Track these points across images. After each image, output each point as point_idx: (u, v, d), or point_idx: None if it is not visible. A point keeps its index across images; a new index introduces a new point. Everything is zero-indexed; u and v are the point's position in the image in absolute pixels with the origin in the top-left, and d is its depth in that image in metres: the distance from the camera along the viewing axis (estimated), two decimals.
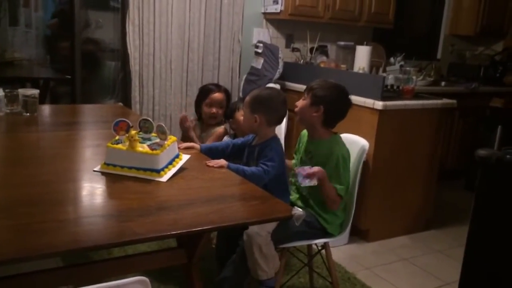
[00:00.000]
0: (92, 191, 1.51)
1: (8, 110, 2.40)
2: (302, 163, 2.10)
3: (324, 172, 1.93)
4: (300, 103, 2.05)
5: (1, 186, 1.53)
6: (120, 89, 3.73)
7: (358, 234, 3.15)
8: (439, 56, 5.07)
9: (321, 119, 2.01)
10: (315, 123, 2.03)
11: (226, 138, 2.59)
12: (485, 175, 1.74)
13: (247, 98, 2.04)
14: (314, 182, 1.88)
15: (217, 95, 2.69)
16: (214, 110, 2.66)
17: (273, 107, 2.00)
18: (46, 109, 2.69)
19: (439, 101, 3.26)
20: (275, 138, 2.04)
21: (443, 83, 4.47)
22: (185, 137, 2.65)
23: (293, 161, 2.21)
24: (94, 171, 1.65)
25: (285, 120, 2.66)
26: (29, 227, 1.21)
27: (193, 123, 2.75)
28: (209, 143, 2.47)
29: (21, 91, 2.41)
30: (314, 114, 2.00)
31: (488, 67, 4.82)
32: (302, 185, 1.92)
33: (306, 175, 1.87)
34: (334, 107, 2.00)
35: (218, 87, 2.76)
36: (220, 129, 2.68)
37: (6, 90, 2.39)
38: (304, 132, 2.19)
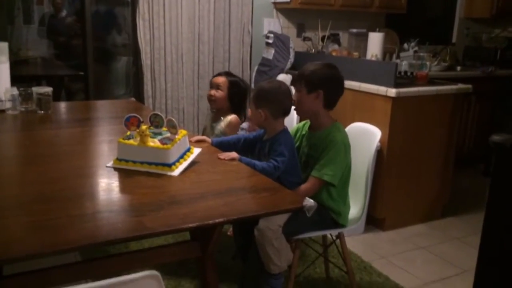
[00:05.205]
0: (105, 187, 1.53)
1: (23, 108, 2.43)
2: (308, 157, 2.09)
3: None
4: (296, 96, 2.02)
5: (17, 183, 1.56)
6: (133, 84, 3.76)
7: (374, 223, 3.13)
8: (454, 40, 4.97)
9: (322, 103, 1.99)
10: (318, 110, 2.01)
11: (244, 125, 2.55)
12: (501, 160, 1.70)
13: (251, 95, 2.04)
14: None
15: (217, 78, 2.67)
16: (212, 92, 2.61)
17: (276, 100, 1.97)
18: (60, 107, 2.72)
19: (453, 87, 3.20)
20: (285, 132, 2.02)
21: (458, 68, 4.39)
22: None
23: None
24: (107, 166, 1.67)
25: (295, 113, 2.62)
26: (45, 223, 1.23)
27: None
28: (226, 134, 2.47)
29: (35, 89, 2.44)
30: (315, 101, 1.98)
31: (505, 50, 4.71)
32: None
33: None
34: (332, 85, 1.99)
35: (224, 73, 2.75)
36: (231, 117, 2.60)
37: (21, 89, 2.43)
38: (298, 126, 2.18)
